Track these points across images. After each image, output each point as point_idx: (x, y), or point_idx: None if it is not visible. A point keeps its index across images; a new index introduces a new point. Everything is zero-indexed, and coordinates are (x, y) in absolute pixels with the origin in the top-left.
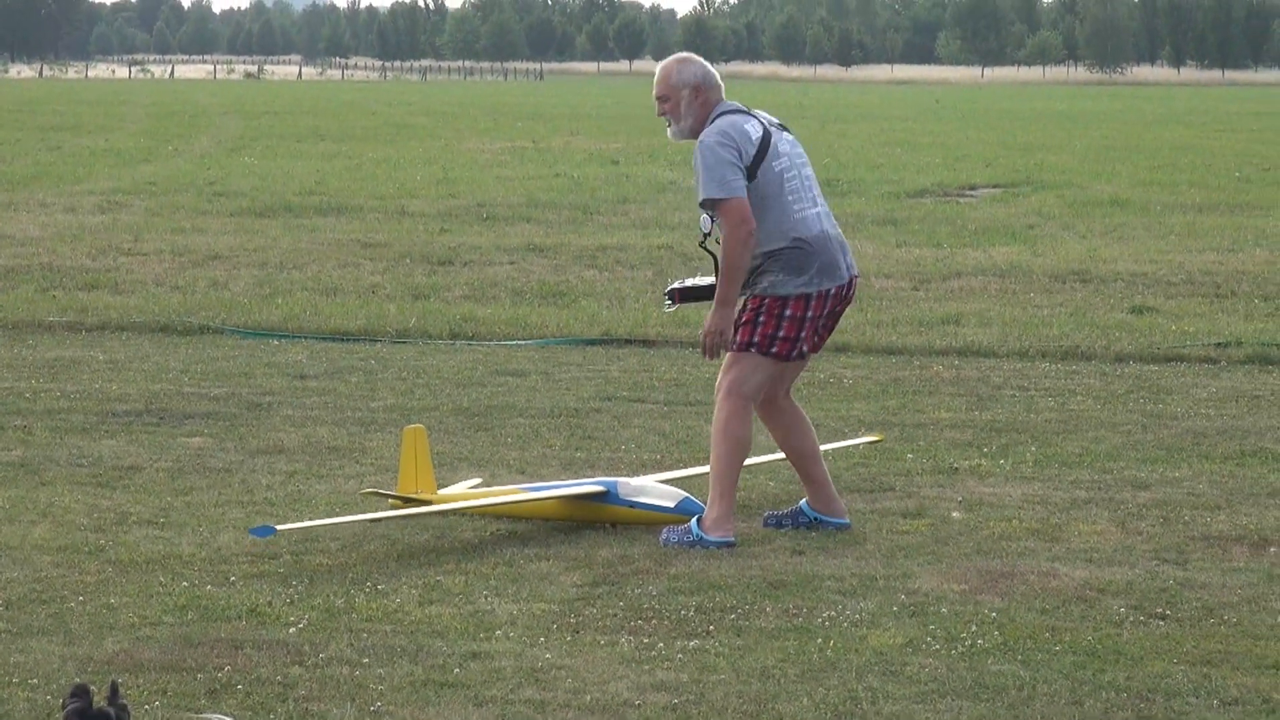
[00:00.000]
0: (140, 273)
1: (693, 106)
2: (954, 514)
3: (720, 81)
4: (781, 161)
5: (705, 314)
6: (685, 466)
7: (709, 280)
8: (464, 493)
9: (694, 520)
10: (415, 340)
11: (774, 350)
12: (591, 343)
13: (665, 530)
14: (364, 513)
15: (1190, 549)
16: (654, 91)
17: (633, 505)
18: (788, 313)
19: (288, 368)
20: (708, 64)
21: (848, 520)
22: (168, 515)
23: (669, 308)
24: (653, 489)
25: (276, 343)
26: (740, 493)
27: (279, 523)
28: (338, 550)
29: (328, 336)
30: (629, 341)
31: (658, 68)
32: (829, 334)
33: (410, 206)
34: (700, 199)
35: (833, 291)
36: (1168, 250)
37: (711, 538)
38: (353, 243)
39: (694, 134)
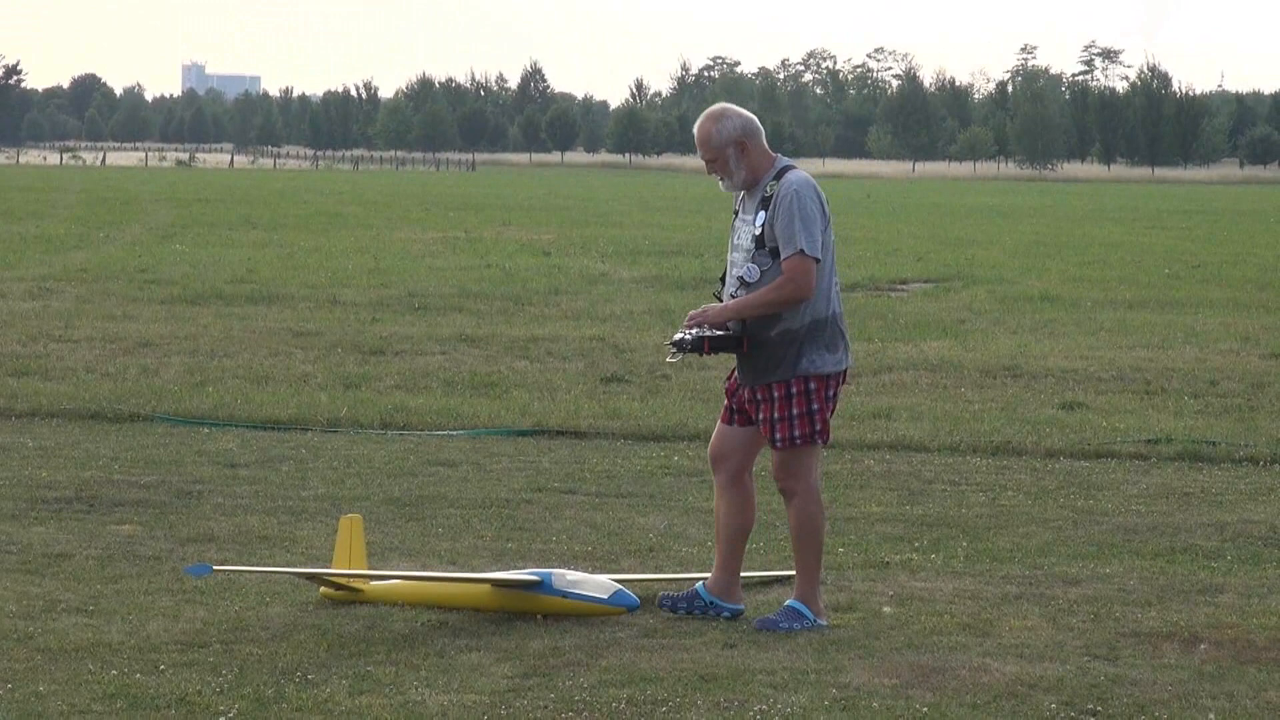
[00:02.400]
0: (71, 359)
1: (742, 159)
2: (885, 608)
3: (759, 123)
4: (830, 232)
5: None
6: (624, 567)
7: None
8: (394, 581)
9: (801, 605)
10: (346, 429)
11: (828, 429)
12: (523, 434)
13: (770, 620)
14: (301, 567)
15: (1121, 645)
16: (700, 154)
17: (566, 596)
18: (830, 393)
19: (218, 456)
20: (740, 109)
21: (743, 607)
22: (97, 603)
23: (674, 357)
24: (587, 580)
25: (207, 431)
26: (656, 581)
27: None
28: (268, 640)
29: (259, 425)
30: (561, 433)
31: (696, 128)
32: None
33: (342, 296)
34: (795, 249)
35: (848, 369)
36: (1098, 347)
37: (823, 620)
38: (284, 331)
39: (750, 183)
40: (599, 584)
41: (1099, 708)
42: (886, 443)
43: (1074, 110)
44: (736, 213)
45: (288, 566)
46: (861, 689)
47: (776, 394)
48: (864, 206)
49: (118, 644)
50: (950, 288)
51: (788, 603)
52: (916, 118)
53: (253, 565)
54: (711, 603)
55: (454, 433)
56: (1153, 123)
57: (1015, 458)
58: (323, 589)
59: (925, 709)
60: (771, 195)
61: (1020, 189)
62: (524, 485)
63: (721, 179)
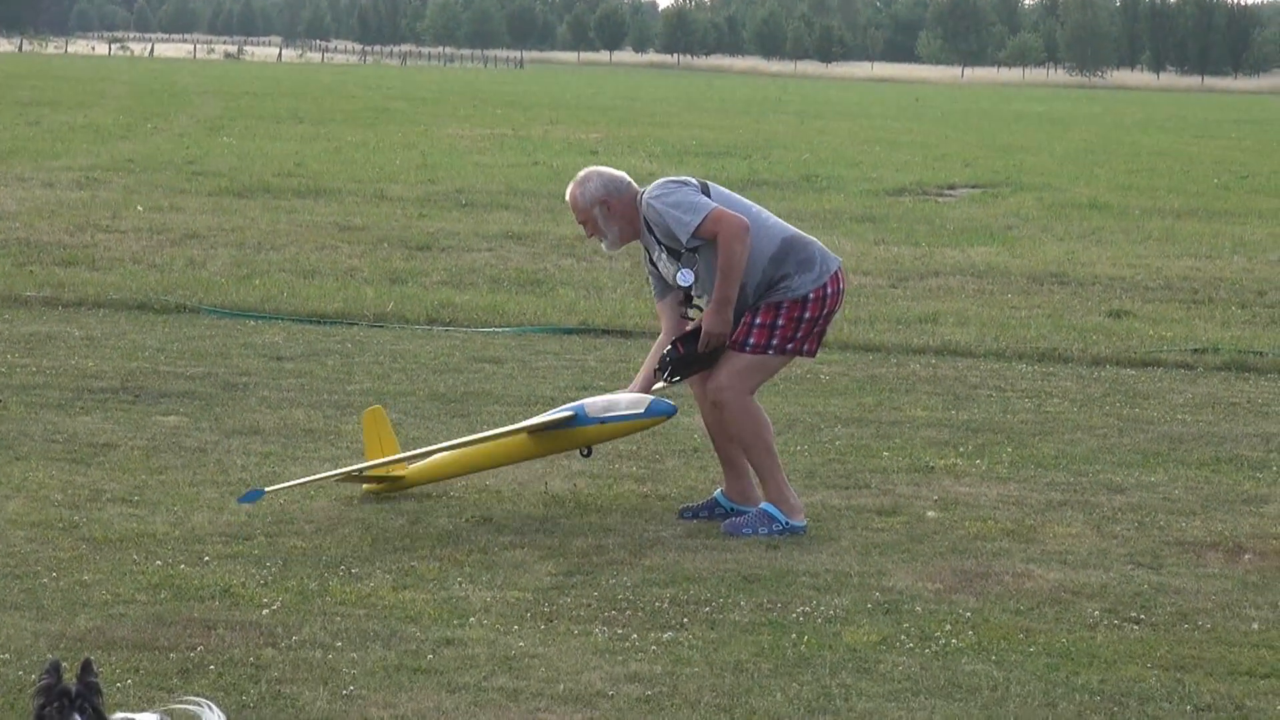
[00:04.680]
0: (118, 250)
1: (611, 217)
2: (929, 513)
3: (625, 178)
4: (714, 187)
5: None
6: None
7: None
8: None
9: (771, 508)
10: (392, 324)
11: (788, 348)
12: (569, 331)
13: (736, 523)
14: (345, 468)
15: (1165, 554)
16: (575, 219)
17: (604, 421)
18: (807, 315)
19: (264, 349)
20: (604, 169)
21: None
22: (142, 493)
23: (672, 380)
24: (618, 400)
25: (253, 323)
26: (667, 487)
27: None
28: (312, 533)
29: (305, 318)
30: (606, 331)
31: (566, 195)
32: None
33: (389, 191)
34: (689, 234)
35: (836, 273)
36: (1146, 255)
37: (796, 521)
38: (331, 225)
39: (629, 236)
40: (631, 401)
41: (1142, 615)
42: (932, 347)
43: (1124, 18)
44: (652, 261)
45: (334, 467)
46: (905, 592)
47: (757, 309)
48: (912, 111)
49: (162, 535)
50: (998, 194)
51: (760, 505)
52: (966, 23)
53: (301, 477)
54: (732, 508)
55: (500, 330)
56: (1203, 32)
57: (1061, 364)
58: (365, 486)
59: (968, 613)
60: (648, 218)
61: (1069, 96)
62: (569, 383)
63: (601, 240)
